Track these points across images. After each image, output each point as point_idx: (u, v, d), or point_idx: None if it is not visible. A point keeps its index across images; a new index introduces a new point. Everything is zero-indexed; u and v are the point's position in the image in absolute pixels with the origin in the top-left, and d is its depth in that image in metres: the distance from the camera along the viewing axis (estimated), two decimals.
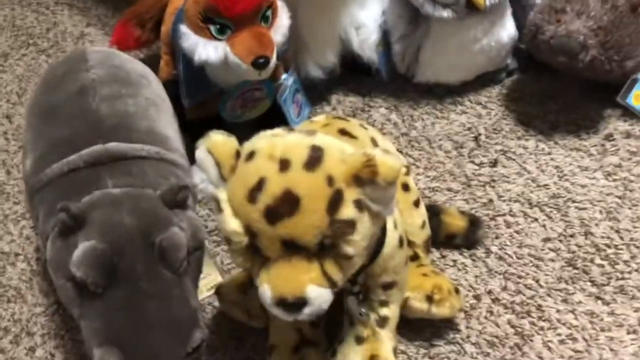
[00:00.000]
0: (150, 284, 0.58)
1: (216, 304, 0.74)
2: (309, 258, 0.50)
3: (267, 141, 0.51)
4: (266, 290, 0.50)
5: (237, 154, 0.52)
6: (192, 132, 0.77)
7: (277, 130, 0.53)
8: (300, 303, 0.50)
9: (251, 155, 0.51)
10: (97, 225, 0.59)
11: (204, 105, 0.86)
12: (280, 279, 0.50)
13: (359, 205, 0.50)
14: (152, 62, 0.91)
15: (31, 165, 0.67)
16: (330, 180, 0.49)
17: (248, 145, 0.52)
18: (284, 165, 0.49)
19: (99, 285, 0.57)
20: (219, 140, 0.52)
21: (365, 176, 0.49)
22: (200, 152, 0.52)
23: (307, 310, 0.50)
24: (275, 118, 0.88)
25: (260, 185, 0.49)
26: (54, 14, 1.19)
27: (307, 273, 0.50)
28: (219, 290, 0.70)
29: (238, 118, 0.86)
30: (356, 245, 0.50)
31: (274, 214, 0.48)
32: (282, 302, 0.50)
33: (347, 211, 0.49)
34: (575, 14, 0.80)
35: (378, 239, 0.58)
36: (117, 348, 0.57)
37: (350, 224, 0.49)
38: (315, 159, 0.49)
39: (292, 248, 0.49)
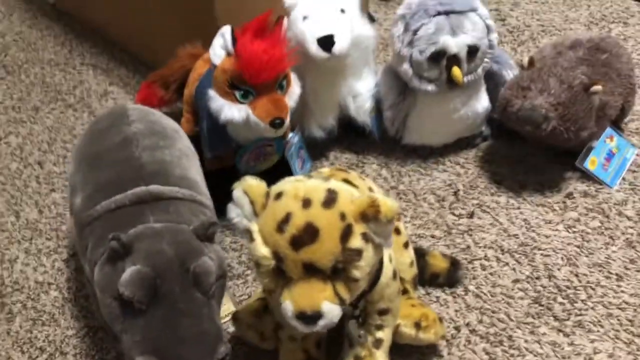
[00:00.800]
0: (185, 304, 0.69)
1: (230, 330, 0.85)
2: (324, 280, 0.62)
3: (292, 184, 0.64)
4: (288, 306, 0.62)
5: (267, 195, 0.64)
6: (210, 181, 0.89)
7: (299, 177, 0.66)
8: (316, 316, 0.61)
9: (279, 195, 0.63)
10: (142, 253, 0.70)
11: (222, 158, 0.98)
12: (301, 296, 0.61)
13: (365, 237, 0.62)
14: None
15: (81, 203, 0.78)
16: (343, 216, 0.61)
17: (276, 188, 0.65)
18: (306, 203, 0.61)
19: (143, 303, 0.67)
20: (253, 183, 0.65)
21: (371, 214, 0.61)
22: (237, 192, 0.64)
23: (321, 323, 0.62)
24: (282, 170, 1.01)
25: (287, 218, 0.61)
26: (79, 74, 1.32)
27: (322, 292, 0.61)
28: (236, 316, 0.80)
29: (251, 169, 0.99)
30: (362, 270, 0.62)
31: (298, 242, 0.60)
32: (301, 316, 0.61)
33: (356, 242, 0.61)
34: (538, 91, 0.95)
35: (377, 269, 0.70)
36: (156, 357, 0.67)
37: (358, 252, 0.61)
38: (331, 199, 0.62)
39: (311, 270, 0.61)
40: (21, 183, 1.09)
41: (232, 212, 0.65)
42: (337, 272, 0.62)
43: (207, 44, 1.00)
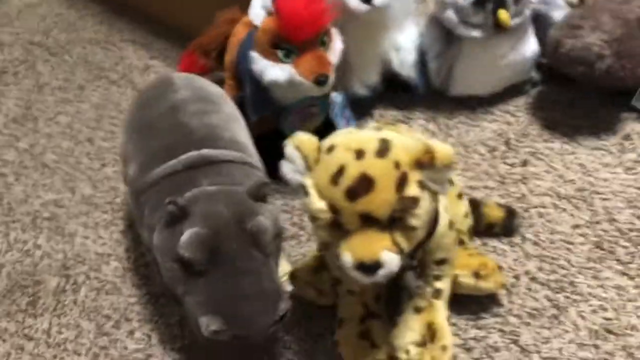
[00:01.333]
0: (244, 263, 0.69)
1: (288, 289, 0.85)
2: (382, 229, 0.61)
3: (344, 137, 0.63)
4: (347, 257, 0.62)
5: (319, 149, 0.64)
6: (258, 145, 0.89)
7: (350, 129, 0.65)
8: (375, 266, 0.61)
9: (331, 148, 0.63)
10: (199, 215, 0.70)
11: (264, 121, 0.98)
12: (359, 247, 0.61)
13: (421, 185, 0.61)
14: None
15: (135, 172, 0.80)
16: (397, 165, 0.60)
17: (327, 141, 0.64)
18: (360, 154, 0.61)
19: (203, 264, 0.68)
20: (304, 138, 0.64)
21: (426, 161, 0.60)
22: (289, 149, 0.64)
23: (381, 272, 0.61)
24: (327, 131, 1.00)
25: (341, 171, 0.60)
26: (120, 50, 1.34)
27: (380, 241, 0.61)
28: (293, 274, 0.81)
29: (296, 131, 0.98)
30: (419, 218, 0.61)
31: (353, 193, 0.60)
32: (361, 266, 0.61)
33: (412, 190, 0.60)
34: (590, 29, 0.91)
35: (433, 219, 0.69)
36: (220, 316, 0.68)
37: (415, 200, 0.61)
38: (384, 148, 0.61)
39: (368, 221, 0.60)
40: (73, 160, 1.11)
41: (286, 167, 0.65)
42: (395, 222, 0.61)
43: (244, 8, 0.99)
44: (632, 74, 0.92)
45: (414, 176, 0.61)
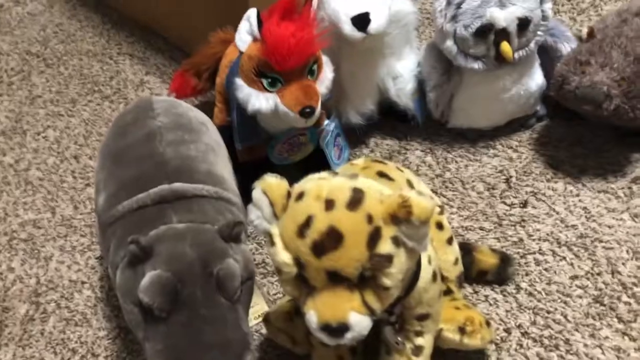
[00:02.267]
0: (208, 310, 0.65)
1: (263, 331, 0.81)
2: (350, 288, 0.56)
3: (315, 183, 0.58)
4: (312, 317, 0.57)
5: (288, 195, 0.59)
6: (243, 173, 0.85)
7: (323, 174, 0.60)
8: (343, 328, 0.56)
9: (300, 195, 0.58)
10: (162, 256, 0.66)
11: (254, 149, 0.94)
12: (325, 307, 0.56)
13: (396, 241, 0.56)
14: (205, 109, 1.00)
15: (104, 202, 0.76)
16: (370, 219, 0.55)
17: (298, 187, 0.59)
18: (329, 205, 0.56)
19: (164, 310, 0.64)
20: (273, 183, 0.59)
21: (401, 215, 0.55)
22: (256, 193, 0.59)
23: (348, 335, 0.56)
24: (318, 160, 0.95)
25: (308, 222, 0.55)
26: (116, 64, 1.30)
27: (349, 302, 0.56)
28: (266, 318, 0.76)
29: (284, 160, 0.94)
30: (393, 277, 0.56)
31: (320, 248, 0.55)
32: (326, 328, 0.56)
33: (385, 246, 0.55)
34: (599, 66, 0.85)
35: (413, 273, 0.64)
36: None
37: (388, 258, 0.55)
38: (356, 199, 0.56)
39: (335, 279, 0.55)
40: (57, 178, 1.08)
41: (253, 213, 0.60)
42: (365, 280, 0.56)
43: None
44: None
45: (388, 232, 0.55)
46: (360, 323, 0.56)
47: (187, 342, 0.64)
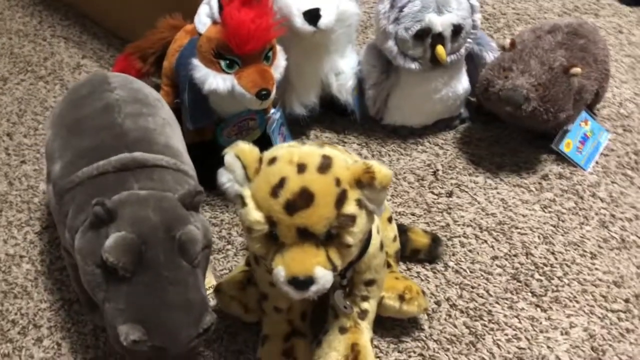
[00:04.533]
0: (170, 272, 0.67)
1: (212, 304, 0.83)
2: (317, 245, 0.61)
3: (286, 150, 0.63)
4: (280, 271, 0.61)
5: (260, 160, 0.63)
6: (190, 154, 0.88)
7: (292, 143, 0.65)
8: (308, 281, 0.61)
9: (273, 160, 0.62)
10: (126, 219, 0.68)
11: (203, 130, 0.96)
12: (294, 261, 0.60)
13: (359, 203, 0.62)
14: None
15: (60, 169, 0.76)
16: (338, 182, 0.61)
17: (269, 153, 0.64)
18: (301, 168, 0.61)
19: (128, 270, 0.66)
20: (245, 148, 0.63)
21: (365, 180, 0.61)
22: (229, 157, 0.63)
23: (313, 288, 0.61)
24: (263, 146, 0.99)
25: (281, 183, 0.60)
26: (50, 45, 1.28)
27: (315, 257, 0.61)
28: (218, 288, 0.79)
29: (232, 143, 0.97)
30: (355, 236, 0.62)
31: (292, 206, 0.59)
32: (294, 281, 0.61)
33: (350, 207, 0.61)
34: (519, 72, 0.96)
35: (366, 239, 0.70)
36: (140, 325, 0.65)
37: (352, 218, 0.61)
38: (326, 164, 0.61)
39: (304, 235, 0.60)
40: None
41: (224, 176, 0.64)
42: (331, 238, 0.61)
43: (187, 15, 0.98)
44: (555, 118, 0.98)
45: (353, 194, 0.61)
46: (324, 277, 0.61)
47: (150, 301, 0.66)
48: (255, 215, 0.61)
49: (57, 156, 0.78)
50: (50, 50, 1.27)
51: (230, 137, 0.97)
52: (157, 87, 1.03)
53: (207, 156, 0.85)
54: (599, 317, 0.85)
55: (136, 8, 1.20)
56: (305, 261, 0.60)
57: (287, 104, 1.06)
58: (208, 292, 0.84)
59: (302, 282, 0.60)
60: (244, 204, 0.62)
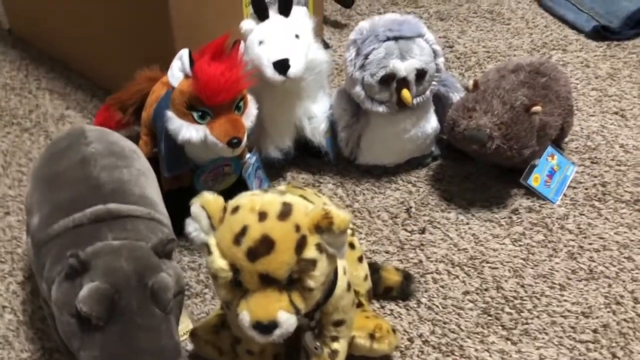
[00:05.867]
0: (143, 319, 0.70)
1: (188, 348, 0.86)
2: (280, 290, 0.64)
3: (249, 198, 0.66)
4: (245, 316, 0.64)
5: (224, 209, 0.67)
6: (167, 201, 0.91)
7: (255, 191, 0.69)
8: (272, 326, 0.63)
9: (236, 209, 0.65)
10: (100, 269, 0.70)
11: (180, 177, 1.00)
12: (257, 306, 0.63)
13: (319, 248, 0.65)
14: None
15: (39, 223, 0.78)
16: (297, 228, 0.64)
17: (233, 202, 0.67)
18: (262, 216, 0.64)
19: (101, 319, 0.68)
20: (210, 198, 0.67)
21: (324, 225, 0.64)
22: (195, 207, 0.66)
23: (277, 332, 0.64)
24: (239, 190, 1.02)
25: (243, 231, 0.63)
26: (35, 98, 1.32)
27: (278, 302, 0.63)
28: (194, 332, 0.82)
29: (209, 189, 0.99)
30: (317, 279, 0.65)
31: (254, 254, 0.62)
32: (258, 325, 0.63)
33: (310, 252, 0.64)
34: (482, 112, 1.00)
35: (331, 281, 0.73)
36: None
37: (313, 262, 0.64)
38: (286, 211, 0.64)
39: (267, 281, 0.63)
40: None
41: (190, 226, 0.67)
42: (293, 282, 0.64)
43: (165, 67, 1.02)
44: (519, 154, 1.02)
45: (313, 239, 0.64)
46: (287, 321, 0.64)
47: (123, 349, 0.68)
48: (219, 262, 0.64)
49: (35, 209, 0.81)
50: (35, 102, 1.31)
51: (207, 183, 1.00)
52: (139, 136, 1.07)
53: (185, 202, 0.88)
54: (568, 349, 0.87)
55: (116, 59, 1.25)
56: (269, 306, 0.63)
57: (262, 149, 1.10)
58: (184, 337, 0.86)
59: (266, 327, 0.63)
60: (209, 252, 0.65)
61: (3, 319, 0.90)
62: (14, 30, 1.50)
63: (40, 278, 0.76)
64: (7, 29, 1.51)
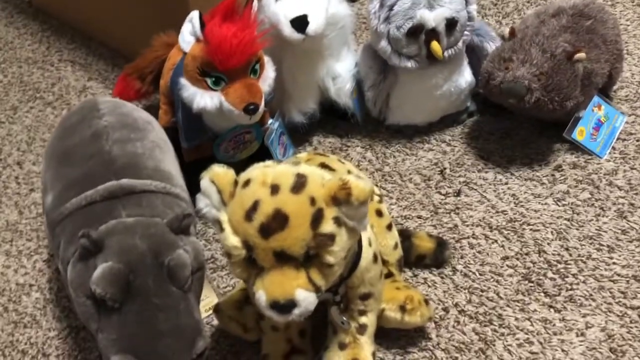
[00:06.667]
0: (160, 298, 0.67)
1: (214, 323, 0.83)
2: (297, 267, 0.60)
3: (260, 171, 0.62)
4: (261, 295, 0.60)
5: (235, 183, 0.62)
6: (189, 172, 0.87)
7: (268, 163, 0.64)
8: (290, 305, 0.59)
9: (247, 182, 0.61)
10: (113, 249, 0.68)
11: (200, 147, 0.96)
12: (274, 285, 0.59)
13: (338, 221, 0.60)
14: (150, 112, 1.02)
15: (52, 201, 0.76)
16: (313, 201, 0.59)
17: (244, 175, 0.63)
18: (275, 189, 0.59)
19: (116, 301, 0.66)
20: (220, 172, 0.62)
21: (342, 197, 0.59)
22: (205, 182, 0.62)
23: (296, 311, 0.60)
24: (263, 158, 0.98)
25: (255, 206, 0.59)
26: (58, 70, 1.30)
27: (295, 279, 0.59)
28: (217, 308, 0.79)
29: (231, 158, 0.97)
30: (336, 255, 0.60)
31: (267, 230, 0.58)
32: (275, 305, 0.59)
33: (328, 226, 0.59)
34: (520, 62, 0.92)
35: (355, 253, 0.68)
36: (133, 355, 0.65)
37: (331, 237, 0.59)
38: (300, 183, 0.60)
39: (282, 258, 0.59)
40: (1, 184, 1.07)
41: (201, 202, 0.63)
42: (310, 259, 0.60)
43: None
44: (561, 107, 0.93)
45: (330, 212, 0.60)
46: (306, 299, 0.60)
47: (140, 330, 0.66)
48: (232, 240, 0.60)
49: (49, 187, 0.79)
50: (57, 75, 1.29)
51: (228, 152, 0.96)
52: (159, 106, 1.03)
53: None
54: (618, 316, 0.81)
55: (135, 24, 1.20)
56: (285, 284, 0.59)
57: (285, 113, 1.04)
58: (209, 312, 0.84)
59: (284, 306, 0.59)
60: (221, 229, 0.61)
61: (30, 298, 0.90)
62: (34, 2, 1.47)
63: (57, 258, 0.75)
64: (27, 0, 1.49)
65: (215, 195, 0.62)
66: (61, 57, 1.33)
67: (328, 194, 0.60)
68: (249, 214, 0.59)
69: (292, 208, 0.58)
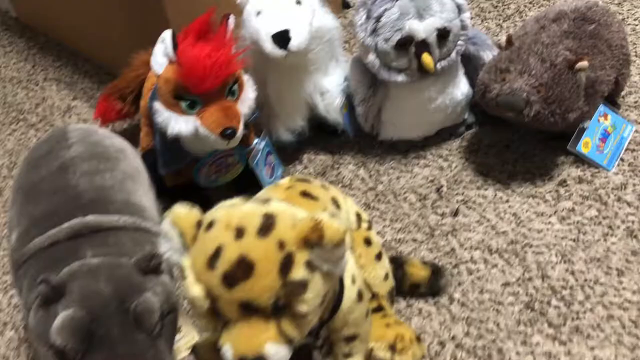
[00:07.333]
0: (126, 347, 0.62)
1: None
2: (265, 318, 0.54)
3: (225, 211, 0.56)
4: (228, 350, 0.55)
5: (199, 224, 0.57)
6: (173, 198, 0.82)
7: (235, 201, 0.59)
8: None
9: (210, 224, 0.56)
10: (75, 294, 0.63)
11: (181, 172, 0.91)
12: (240, 339, 0.54)
13: (310, 266, 0.54)
14: (135, 132, 0.98)
15: (16, 240, 0.72)
16: (281, 245, 0.54)
17: (208, 216, 0.57)
18: (239, 233, 0.54)
19: (77, 352, 0.61)
20: (181, 213, 0.57)
21: (313, 239, 0.54)
22: (165, 224, 0.57)
23: None
24: (249, 179, 0.94)
25: (218, 252, 0.54)
26: (42, 90, 1.26)
27: (264, 332, 0.54)
28: (194, 350, 0.74)
29: (213, 183, 0.92)
30: (309, 303, 0.55)
31: (230, 279, 0.53)
32: None
33: (298, 272, 0.54)
34: (518, 73, 0.86)
35: (337, 294, 0.63)
36: None
37: (302, 284, 0.54)
38: (267, 225, 0.54)
39: (249, 310, 0.54)
40: None
41: (164, 245, 0.58)
42: (280, 309, 0.54)
43: None
44: (563, 119, 0.87)
45: (302, 257, 0.54)
46: (277, 353, 0.54)
47: None
48: (194, 290, 0.55)
49: (14, 225, 0.74)
50: (42, 95, 1.25)
51: (209, 176, 0.91)
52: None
53: (190, 198, 0.80)
54: (629, 348, 0.75)
55: (119, 42, 1.16)
56: (253, 338, 0.54)
57: (272, 131, 0.99)
58: (188, 351, 0.79)
59: None
60: (183, 276, 0.56)
61: (3, 337, 0.85)
62: (21, 18, 1.43)
63: (21, 303, 0.70)
64: (14, 16, 1.45)
65: (177, 239, 0.56)
66: (46, 76, 1.29)
67: (299, 236, 0.54)
68: (212, 262, 0.54)
69: (258, 254, 0.53)
